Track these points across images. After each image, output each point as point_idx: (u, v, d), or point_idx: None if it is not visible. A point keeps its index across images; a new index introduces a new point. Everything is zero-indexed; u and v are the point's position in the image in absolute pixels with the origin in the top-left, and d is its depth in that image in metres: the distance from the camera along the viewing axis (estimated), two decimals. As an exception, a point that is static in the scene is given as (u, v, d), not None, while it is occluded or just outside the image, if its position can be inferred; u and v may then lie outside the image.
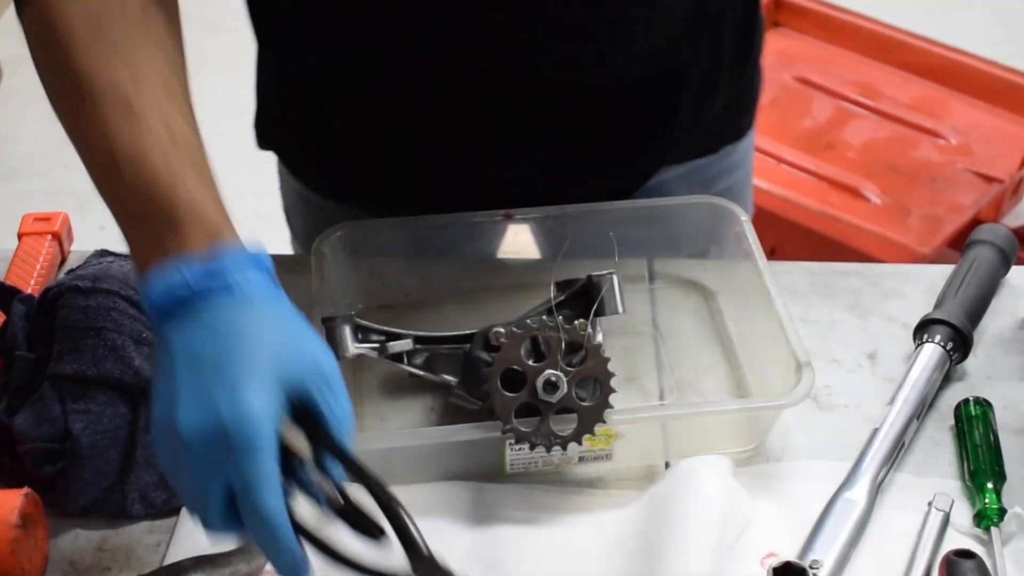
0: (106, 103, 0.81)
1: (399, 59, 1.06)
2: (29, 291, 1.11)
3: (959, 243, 2.26)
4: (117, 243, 1.16)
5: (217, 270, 0.76)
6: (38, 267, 1.17)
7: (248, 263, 0.77)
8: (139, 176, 0.79)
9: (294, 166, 1.27)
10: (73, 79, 0.82)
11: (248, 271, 0.77)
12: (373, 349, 0.98)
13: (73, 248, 1.24)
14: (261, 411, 0.72)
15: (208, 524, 0.75)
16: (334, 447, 0.75)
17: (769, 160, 2.45)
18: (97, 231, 2.20)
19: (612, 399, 0.92)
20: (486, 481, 0.99)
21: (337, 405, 0.76)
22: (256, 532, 0.73)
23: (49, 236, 1.20)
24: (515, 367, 0.91)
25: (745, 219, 1.09)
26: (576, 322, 0.93)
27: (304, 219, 1.31)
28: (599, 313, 0.98)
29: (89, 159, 0.83)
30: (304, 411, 0.75)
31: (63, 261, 1.22)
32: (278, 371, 0.74)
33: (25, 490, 0.91)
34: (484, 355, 0.95)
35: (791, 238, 2.28)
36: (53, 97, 0.86)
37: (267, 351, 0.74)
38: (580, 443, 0.93)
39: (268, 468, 0.72)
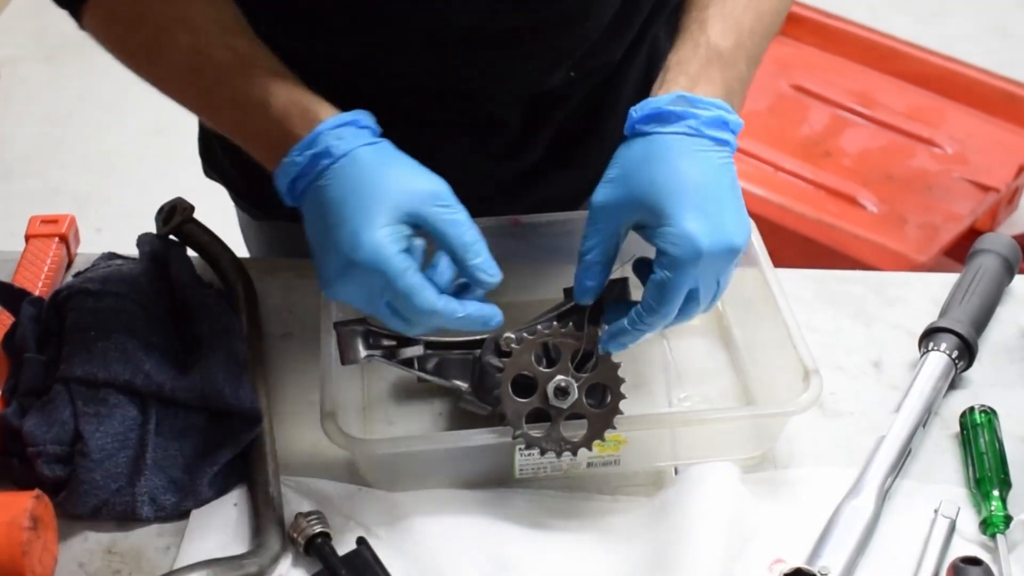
0: (179, 60, 0.95)
1: (330, 82, 1.06)
2: (37, 293, 1.11)
3: (955, 251, 2.28)
4: (114, 245, 1.17)
5: (314, 140, 0.89)
6: (45, 269, 1.17)
7: (341, 125, 0.90)
8: (233, 99, 0.93)
9: (240, 194, 1.26)
10: (145, 45, 0.96)
11: (342, 131, 0.89)
12: (384, 354, 0.98)
13: (78, 251, 1.24)
14: (380, 244, 0.85)
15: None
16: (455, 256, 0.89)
17: (766, 168, 2.46)
18: (94, 233, 2.20)
19: (621, 405, 0.93)
20: (495, 486, 0.99)
21: (452, 219, 0.89)
22: (433, 322, 0.88)
23: (56, 238, 1.21)
24: (526, 373, 0.92)
25: (752, 227, 1.10)
26: (587, 328, 0.93)
27: (258, 240, 1.31)
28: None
29: (182, 96, 0.97)
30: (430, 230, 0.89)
31: (70, 263, 1.22)
32: (390, 207, 0.87)
33: (35, 492, 0.91)
34: (495, 361, 0.95)
35: (788, 246, 2.29)
36: (135, 65, 0.98)
37: (374, 194, 0.87)
38: (590, 448, 0.93)
39: (409, 280, 0.86)
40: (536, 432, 0.92)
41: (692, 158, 0.90)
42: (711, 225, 0.88)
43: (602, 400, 0.94)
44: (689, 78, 0.93)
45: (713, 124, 0.91)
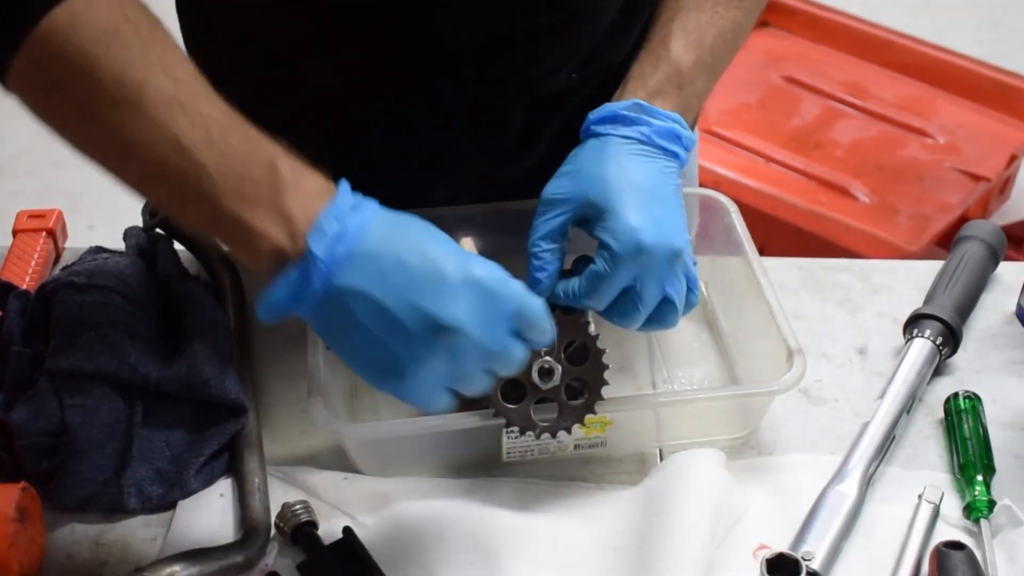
0: (158, 106, 0.79)
1: (333, 84, 1.06)
2: (24, 287, 1.11)
3: (947, 241, 2.27)
4: (107, 242, 1.17)
5: (345, 199, 0.81)
6: (33, 263, 1.17)
7: (352, 207, 0.82)
8: (227, 160, 0.79)
9: None
10: (105, 94, 0.79)
11: (355, 214, 0.81)
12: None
13: (66, 245, 1.24)
14: (491, 265, 0.84)
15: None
16: None
17: (758, 159, 2.46)
18: (87, 231, 2.19)
19: (604, 391, 0.94)
20: (483, 471, 1.00)
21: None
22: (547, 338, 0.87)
23: (44, 233, 1.21)
24: None
25: (734, 211, 1.10)
26: (574, 313, 0.94)
27: None
28: None
29: (150, 164, 0.80)
30: None
31: (57, 258, 1.22)
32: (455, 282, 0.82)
33: (22, 484, 0.91)
34: None
35: (780, 236, 2.29)
36: (76, 121, 0.83)
37: (436, 272, 0.81)
38: (554, 436, 0.94)
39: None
40: (508, 405, 0.93)
41: (639, 160, 0.94)
42: (653, 224, 0.90)
43: (578, 395, 0.94)
44: (648, 92, 0.97)
45: (664, 135, 0.95)
